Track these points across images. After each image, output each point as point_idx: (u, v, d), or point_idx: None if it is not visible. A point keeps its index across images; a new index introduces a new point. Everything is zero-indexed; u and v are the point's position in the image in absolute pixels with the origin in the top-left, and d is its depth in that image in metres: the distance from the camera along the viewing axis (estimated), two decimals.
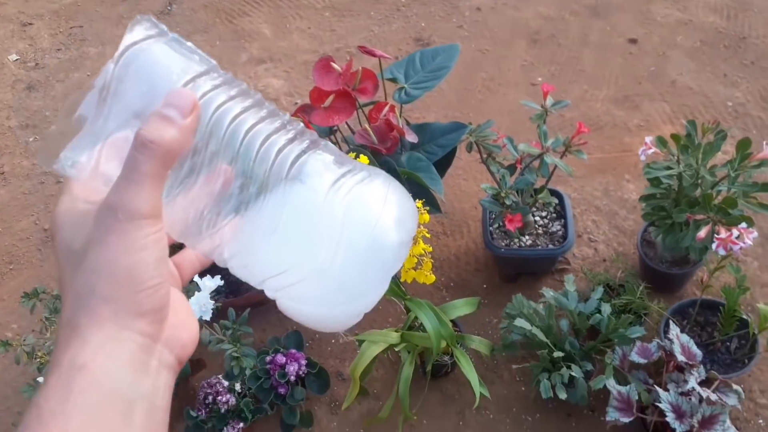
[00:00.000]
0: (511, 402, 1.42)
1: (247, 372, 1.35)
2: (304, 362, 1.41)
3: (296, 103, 2.11)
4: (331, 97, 1.23)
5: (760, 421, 1.31)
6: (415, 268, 1.11)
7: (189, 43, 0.35)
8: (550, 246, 1.48)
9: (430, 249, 1.11)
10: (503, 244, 1.50)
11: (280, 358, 1.40)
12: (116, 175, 0.33)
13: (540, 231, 1.52)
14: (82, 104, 0.33)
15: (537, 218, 1.54)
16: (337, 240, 0.33)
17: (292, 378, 1.38)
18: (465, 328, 1.49)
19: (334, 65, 1.24)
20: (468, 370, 1.19)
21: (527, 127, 1.91)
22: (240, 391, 1.40)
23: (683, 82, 1.97)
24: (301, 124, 0.36)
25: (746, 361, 1.27)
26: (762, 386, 1.35)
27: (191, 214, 0.34)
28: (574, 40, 2.16)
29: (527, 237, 1.51)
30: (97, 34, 2.53)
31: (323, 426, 1.44)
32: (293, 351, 1.42)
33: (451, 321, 1.36)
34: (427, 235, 1.07)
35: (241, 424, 1.37)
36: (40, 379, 1.06)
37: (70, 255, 0.33)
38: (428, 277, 1.12)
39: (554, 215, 1.55)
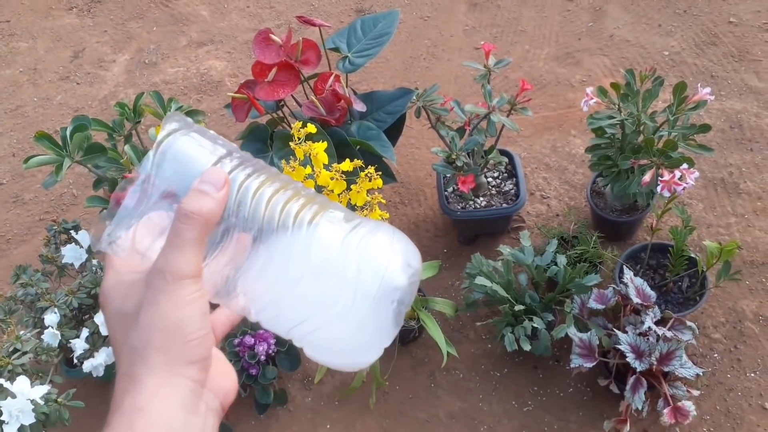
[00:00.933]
0: (478, 360, 1.45)
1: None
2: (272, 341, 1.41)
3: None
4: (273, 71, 1.21)
5: (716, 355, 1.37)
6: None
7: (211, 132, 0.40)
8: (504, 205, 1.51)
9: (387, 215, 1.12)
10: (459, 207, 1.52)
11: (249, 339, 1.40)
12: (150, 249, 0.38)
13: (493, 191, 1.55)
14: (128, 194, 0.38)
15: (489, 179, 1.57)
16: (353, 287, 0.38)
17: (263, 358, 1.38)
18: (429, 292, 1.51)
19: (274, 37, 1.23)
20: (434, 331, 1.21)
21: (474, 91, 1.94)
22: None
23: (621, 35, 2.02)
24: (312, 190, 0.41)
25: (697, 298, 1.33)
26: (714, 322, 1.41)
27: (221, 278, 0.39)
28: (513, 1, 2.18)
29: (481, 198, 1.53)
30: (26, 28, 2.43)
31: (298, 402, 1.45)
32: (261, 331, 1.42)
33: None
34: (383, 201, 1.08)
35: None
36: (1, 381, 1.04)
37: (123, 318, 0.38)
38: None
39: (506, 175, 1.57)
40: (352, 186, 1.07)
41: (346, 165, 1.05)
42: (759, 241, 1.52)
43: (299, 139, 1.00)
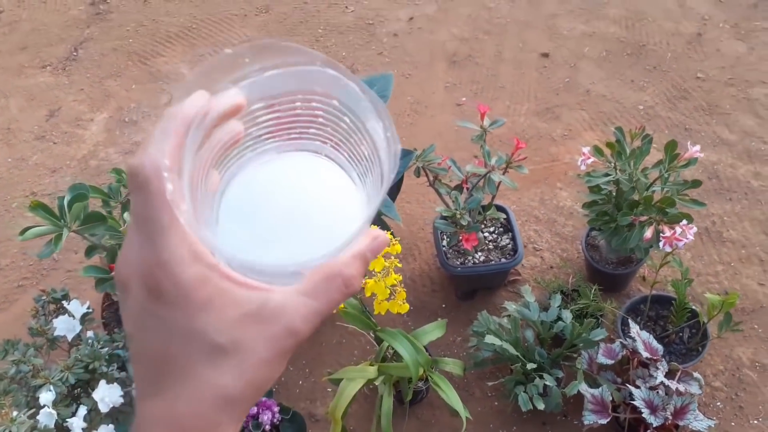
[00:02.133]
0: (487, 418, 1.44)
1: None
2: (276, 409, 1.36)
3: None
4: None
5: (719, 403, 1.40)
6: (388, 299, 1.11)
7: None
8: (503, 260, 1.52)
9: (401, 278, 1.12)
10: (458, 262, 1.53)
11: (252, 409, 1.35)
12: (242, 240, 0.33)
13: (491, 246, 1.56)
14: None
15: (486, 234, 1.58)
16: None
17: (267, 428, 1.33)
18: (433, 350, 1.50)
19: None
20: (449, 394, 1.20)
21: (459, 146, 1.97)
22: None
23: (596, 90, 2.10)
24: None
25: (700, 348, 1.35)
26: (713, 370, 1.44)
27: None
28: (491, 59, 2.24)
29: (480, 254, 1.55)
30: None
31: None
32: (264, 399, 1.37)
33: None
34: (399, 266, 1.08)
35: None
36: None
37: (208, 347, 0.31)
38: (402, 306, 1.12)
39: (501, 230, 1.59)
40: None
41: None
42: (747, 288, 1.57)
43: None
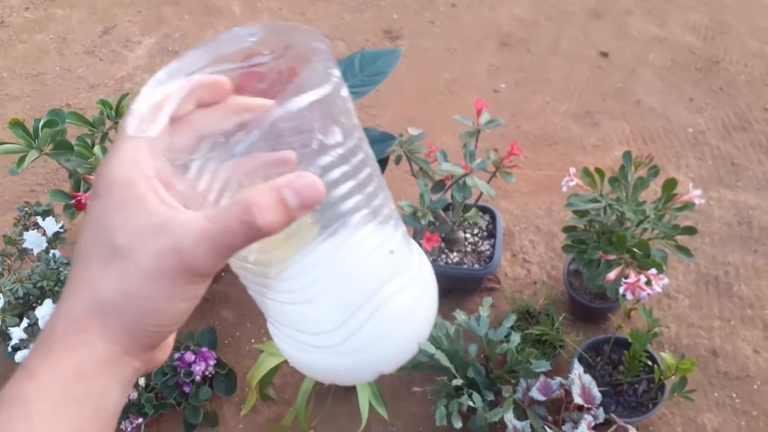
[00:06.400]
0: (418, 421, 1.40)
1: None
2: (212, 362, 1.39)
3: None
4: None
5: None
6: None
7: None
8: (476, 266, 1.45)
9: None
10: (431, 259, 1.47)
11: (189, 356, 1.38)
12: (203, 184, 0.30)
13: (469, 249, 1.49)
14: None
15: (468, 235, 1.51)
16: (352, 350, 0.36)
17: (198, 378, 1.36)
18: None
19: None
20: (361, 393, 1.17)
21: (484, 135, 1.87)
22: (146, 384, 1.38)
23: (647, 102, 1.92)
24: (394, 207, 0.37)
25: (650, 405, 1.25)
26: (671, 429, 1.33)
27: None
28: (545, 47, 2.10)
29: (455, 254, 1.48)
30: None
31: (229, 427, 1.43)
32: (204, 350, 1.40)
33: None
34: None
35: (141, 419, 1.35)
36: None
37: (108, 247, 0.31)
38: None
39: (485, 234, 1.51)
40: None
41: None
42: (739, 353, 1.42)
43: None
